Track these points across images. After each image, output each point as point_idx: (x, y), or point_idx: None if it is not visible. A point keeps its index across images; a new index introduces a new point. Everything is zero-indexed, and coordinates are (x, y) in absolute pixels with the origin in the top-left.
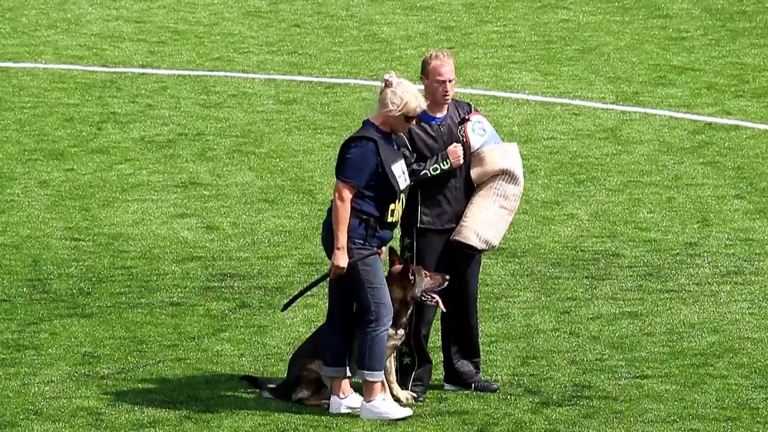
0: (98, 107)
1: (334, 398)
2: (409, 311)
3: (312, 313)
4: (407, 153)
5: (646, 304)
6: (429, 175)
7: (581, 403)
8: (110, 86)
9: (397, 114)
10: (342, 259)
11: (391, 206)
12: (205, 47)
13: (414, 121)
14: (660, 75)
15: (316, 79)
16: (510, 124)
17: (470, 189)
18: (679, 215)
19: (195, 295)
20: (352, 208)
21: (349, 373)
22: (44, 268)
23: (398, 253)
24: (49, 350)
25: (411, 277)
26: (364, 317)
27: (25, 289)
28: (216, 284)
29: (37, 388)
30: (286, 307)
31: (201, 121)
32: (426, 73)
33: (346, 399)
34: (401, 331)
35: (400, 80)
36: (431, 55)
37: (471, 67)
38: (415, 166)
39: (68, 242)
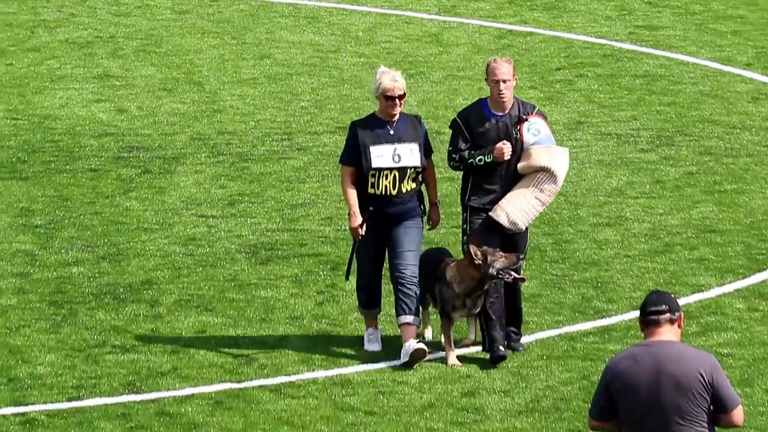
0: (31, 15)
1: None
2: (484, 287)
3: (200, 177)
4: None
5: None
6: (475, 164)
7: None
8: None
9: (377, 95)
10: (351, 222)
11: (371, 180)
12: None
13: (399, 101)
14: None
15: None
16: (356, 30)
17: (517, 178)
18: None
19: (109, 163)
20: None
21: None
22: None
23: (475, 238)
24: None
25: (478, 260)
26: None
27: None
28: (125, 155)
29: None
30: (348, 276)
31: (113, 27)
32: (486, 75)
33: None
34: (478, 303)
35: (384, 68)
36: (492, 59)
37: None
38: (465, 154)
39: (8, 121)
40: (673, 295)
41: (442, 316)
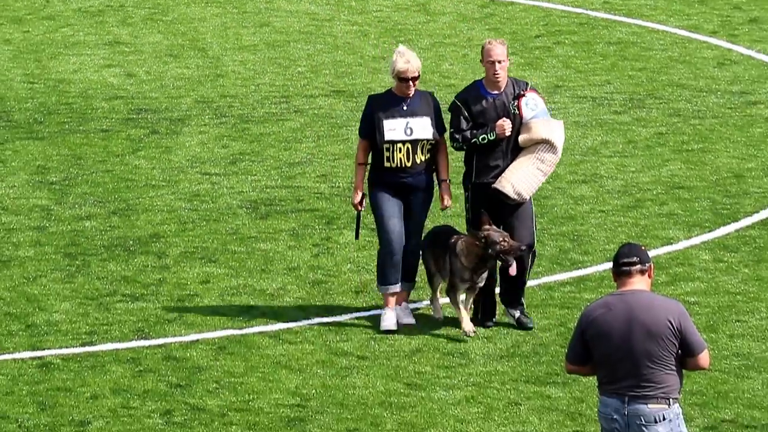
0: None
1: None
2: (488, 264)
3: (204, 137)
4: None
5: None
6: (478, 143)
7: None
8: None
9: (393, 75)
10: (353, 197)
11: (386, 153)
12: None
13: (412, 83)
14: None
15: None
16: (349, 0)
17: (518, 152)
18: (471, 67)
19: (119, 124)
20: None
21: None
22: (8, 103)
23: (487, 215)
24: (12, 163)
25: (481, 239)
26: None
27: None
28: (134, 116)
29: (3, 191)
30: (357, 235)
31: None
32: (482, 56)
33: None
34: (483, 277)
35: (400, 49)
36: (487, 41)
37: None
38: (468, 134)
39: (25, 84)
40: (643, 248)
41: (450, 287)
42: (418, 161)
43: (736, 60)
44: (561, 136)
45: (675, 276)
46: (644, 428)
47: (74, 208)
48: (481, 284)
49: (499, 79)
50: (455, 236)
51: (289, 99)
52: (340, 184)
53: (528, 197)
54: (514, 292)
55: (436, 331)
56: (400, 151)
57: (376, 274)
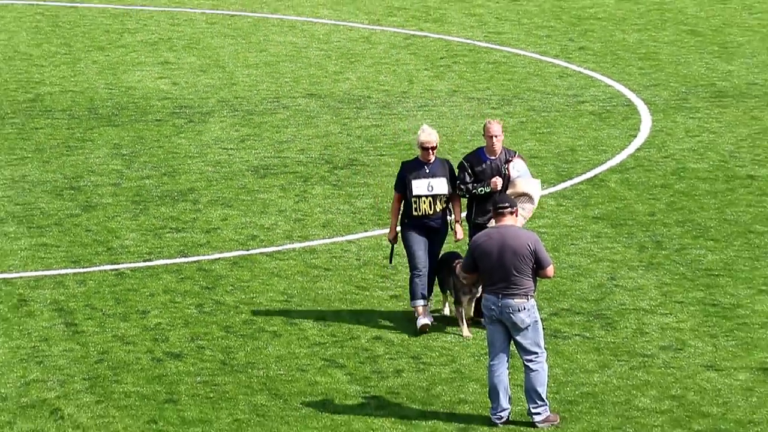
0: (120, 25)
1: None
2: (472, 282)
3: (223, 125)
4: (468, 178)
5: None
6: (477, 193)
7: None
8: None
9: (418, 146)
10: (389, 235)
11: (413, 204)
12: None
13: (431, 151)
14: None
15: None
16: (318, 35)
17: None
18: (398, 79)
19: (167, 116)
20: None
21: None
22: (95, 103)
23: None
24: (98, 142)
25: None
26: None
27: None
28: (177, 111)
29: (92, 160)
30: (390, 260)
31: (170, 33)
32: (483, 131)
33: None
34: (479, 289)
35: (424, 129)
36: (487, 121)
37: None
38: (470, 186)
39: (106, 90)
40: (513, 197)
41: (455, 301)
42: (438, 209)
43: (570, 74)
44: (538, 191)
45: (532, 216)
46: (511, 315)
47: (138, 171)
48: (479, 294)
49: (495, 149)
50: (456, 261)
51: (279, 99)
52: (313, 155)
53: None
54: None
55: (377, 253)
56: (424, 203)
57: (408, 292)
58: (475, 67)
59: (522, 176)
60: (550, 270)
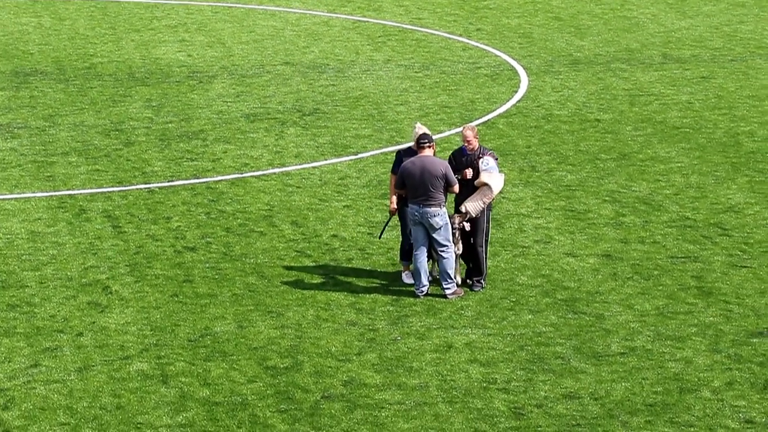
0: (149, 13)
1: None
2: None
3: (225, 84)
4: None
5: None
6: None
7: None
8: None
9: (413, 142)
10: (390, 206)
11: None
12: None
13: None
14: None
15: None
16: (291, 20)
17: (473, 189)
18: (348, 50)
19: (184, 78)
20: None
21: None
22: (133, 69)
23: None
24: (134, 97)
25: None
26: None
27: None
28: (192, 74)
29: (132, 112)
30: (381, 236)
31: (185, 18)
32: (462, 135)
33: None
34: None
35: (417, 125)
36: (463, 128)
37: None
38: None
39: (140, 61)
40: (431, 135)
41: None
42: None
43: (470, 48)
44: (499, 183)
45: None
46: (429, 219)
47: (164, 117)
48: (459, 252)
49: (471, 148)
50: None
51: (264, 66)
52: (288, 106)
53: (474, 214)
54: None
55: (363, 189)
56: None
57: (399, 253)
58: (403, 43)
59: (488, 170)
60: (455, 188)
